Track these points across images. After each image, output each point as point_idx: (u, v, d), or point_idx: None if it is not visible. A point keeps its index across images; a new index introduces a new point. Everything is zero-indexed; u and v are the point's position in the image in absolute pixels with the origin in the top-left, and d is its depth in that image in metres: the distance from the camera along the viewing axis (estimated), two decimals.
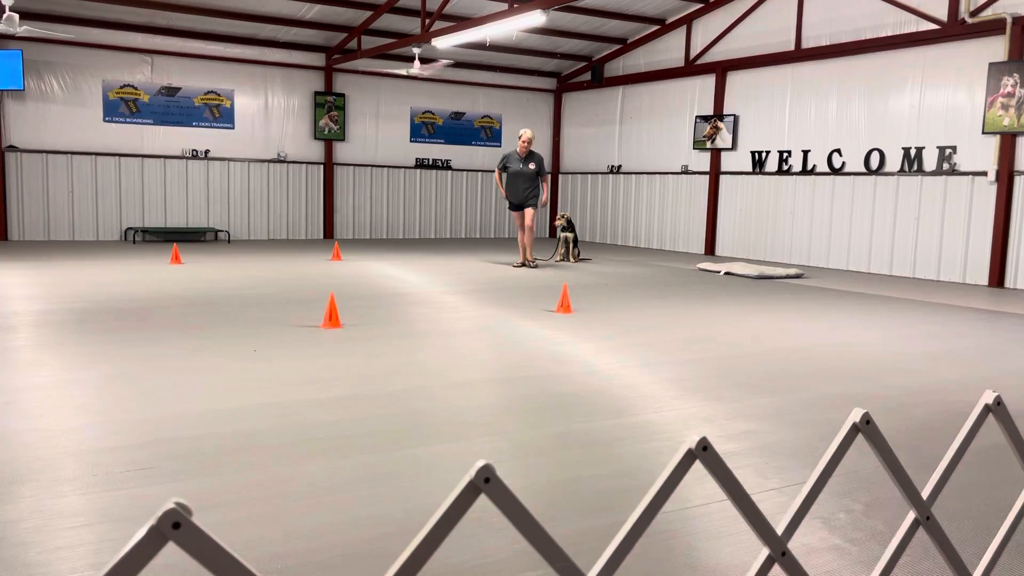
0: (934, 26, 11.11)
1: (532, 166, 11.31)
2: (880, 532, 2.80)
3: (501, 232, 18.03)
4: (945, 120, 11.20)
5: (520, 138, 11.29)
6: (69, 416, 3.88)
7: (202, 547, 0.78)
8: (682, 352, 5.85)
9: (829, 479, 1.30)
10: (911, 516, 1.43)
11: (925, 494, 1.45)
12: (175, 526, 0.76)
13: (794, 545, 2.63)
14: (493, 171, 17.83)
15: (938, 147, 11.25)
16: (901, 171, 11.71)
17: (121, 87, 14.10)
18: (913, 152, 11.54)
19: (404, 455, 3.47)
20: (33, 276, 9.03)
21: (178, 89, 14.52)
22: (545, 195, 11.45)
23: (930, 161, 11.37)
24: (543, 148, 18.52)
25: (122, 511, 2.79)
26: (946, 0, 10.97)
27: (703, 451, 1.11)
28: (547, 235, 18.53)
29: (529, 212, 11.46)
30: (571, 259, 12.67)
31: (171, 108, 14.51)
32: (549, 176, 11.21)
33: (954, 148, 11.06)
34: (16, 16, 10.64)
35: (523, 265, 11.58)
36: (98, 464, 3.23)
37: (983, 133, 10.71)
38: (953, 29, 10.85)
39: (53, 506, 2.81)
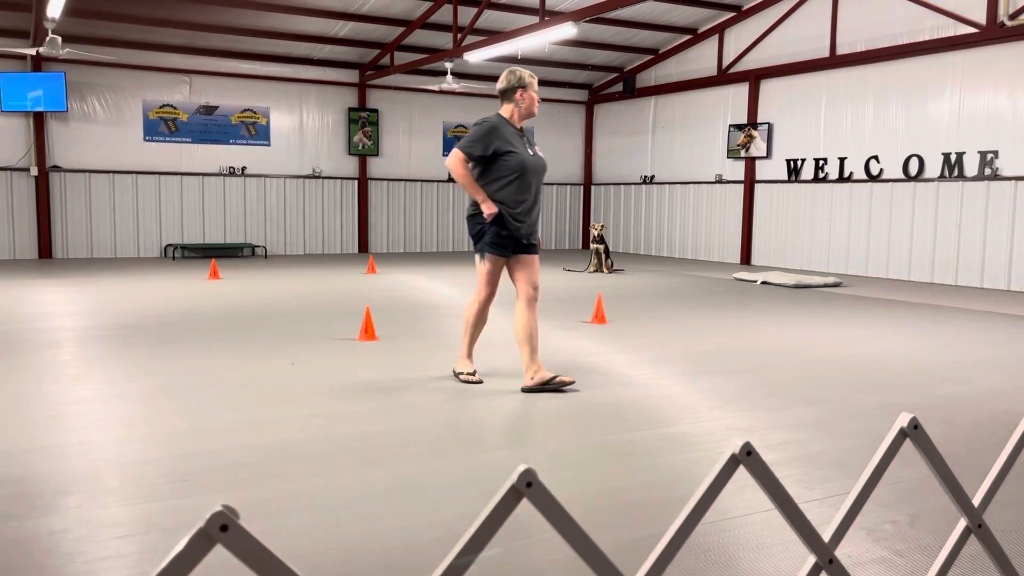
0: (972, 29, 10.93)
1: (541, 152, 5.42)
2: (927, 544, 2.73)
3: None
4: (986, 124, 10.99)
5: (526, 89, 5.05)
6: (112, 429, 3.94)
7: (249, 550, 0.79)
8: (719, 362, 5.79)
9: (875, 487, 1.27)
10: (962, 524, 1.39)
11: (976, 501, 1.41)
12: (223, 529, 0.77)
13: (839, 556, 2.57)
14: None
15: (979, 152, 11.04)
16: (941, 177, 11.51)
17: (161, 107, 14.38)
18: (953, 157, 11.34)
19: (440, 466, 3.47)
20: (76, 293, 9.22)
21: (215, 108, 14.77)
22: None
23: (971, 166, 11.16)
24: (576, 159, 18.41)
25: (164, 521, 2.83)
26: (984, 3, 10.79)
27: (747, 456, 1.09)
28: (579, 246, 18.48)
29: (535, 263, 5.41)
30: (604, 270, 12.64)
31: (209, 126, 14.76)
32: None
33: (996, 153, 10.85)
34: (59, 39, 10.92)
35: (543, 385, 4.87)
36: (141, 476, 3.28)
37: None
38: (992, 32, 10.66)
39: (97, 517, 2.86)
